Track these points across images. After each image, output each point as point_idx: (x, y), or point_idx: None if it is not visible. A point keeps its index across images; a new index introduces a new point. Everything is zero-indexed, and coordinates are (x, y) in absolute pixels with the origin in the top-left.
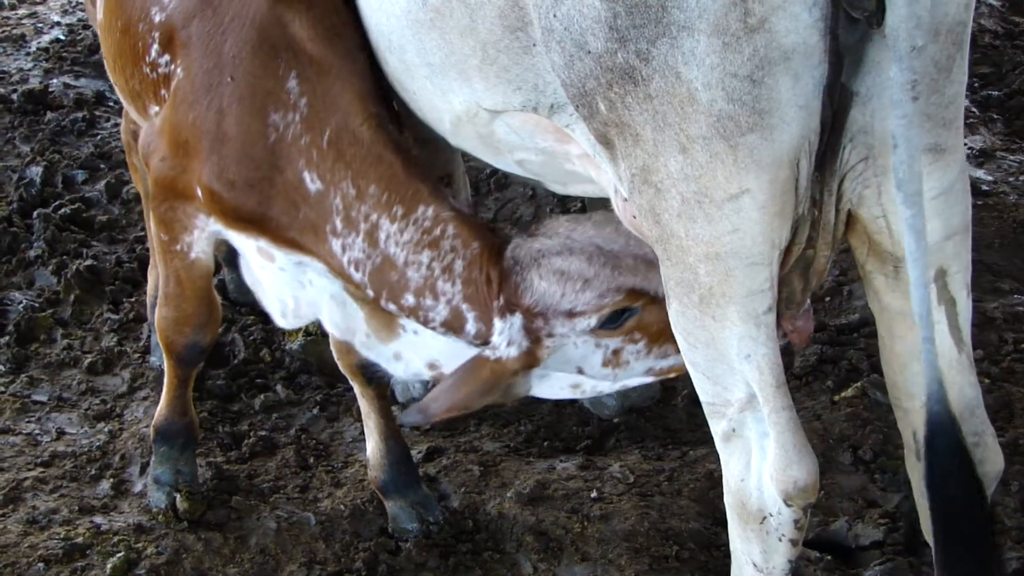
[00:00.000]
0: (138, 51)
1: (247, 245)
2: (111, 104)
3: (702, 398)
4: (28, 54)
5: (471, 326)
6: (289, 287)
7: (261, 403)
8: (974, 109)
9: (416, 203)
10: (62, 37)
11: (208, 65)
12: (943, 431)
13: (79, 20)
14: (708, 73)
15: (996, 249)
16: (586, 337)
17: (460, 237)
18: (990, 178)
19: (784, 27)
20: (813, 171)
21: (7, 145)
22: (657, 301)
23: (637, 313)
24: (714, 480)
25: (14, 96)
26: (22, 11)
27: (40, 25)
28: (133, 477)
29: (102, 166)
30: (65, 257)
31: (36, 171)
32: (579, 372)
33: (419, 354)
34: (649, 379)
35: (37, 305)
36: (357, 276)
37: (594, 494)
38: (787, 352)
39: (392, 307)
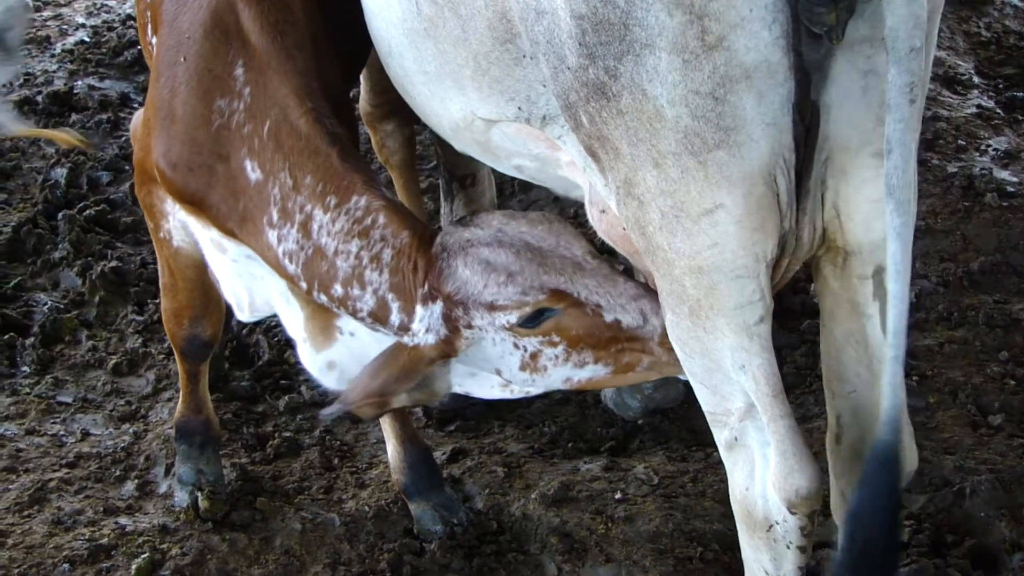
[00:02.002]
0: (143, 28)
1: (203, 236)
2: (136, 106)
3: (704, 407)
4: (53, 56)
5: (395, 317)
6: (242, 280)
7: (286, 404)
8: (999, 111)
9: (349, 194)
10: (87, 39)
11: (170, 43)
12: (888, 464)
13: (104, 22)
14: (671, 90)
15: (1020, 250)
16: (504, 335)
17: (390, 227)
18: (1015, 179)
19: (743, 45)
20: (793, 187)
21: (32, 147)
22: (579, 305)
23: (557, 315)
24: None
25: (39, 98)
26: (47, 13)
27: (65, 27)
28: (158, 478)
29: (127, 167)
30: (90, 259)
31: (61, 173)
32: (498, 374)
33: (356, 358)
34: (569, 390)
35: (62, 306)
36: (291, 268)
37: (618, 495)
38: (813, 354)
39: (323, 298)
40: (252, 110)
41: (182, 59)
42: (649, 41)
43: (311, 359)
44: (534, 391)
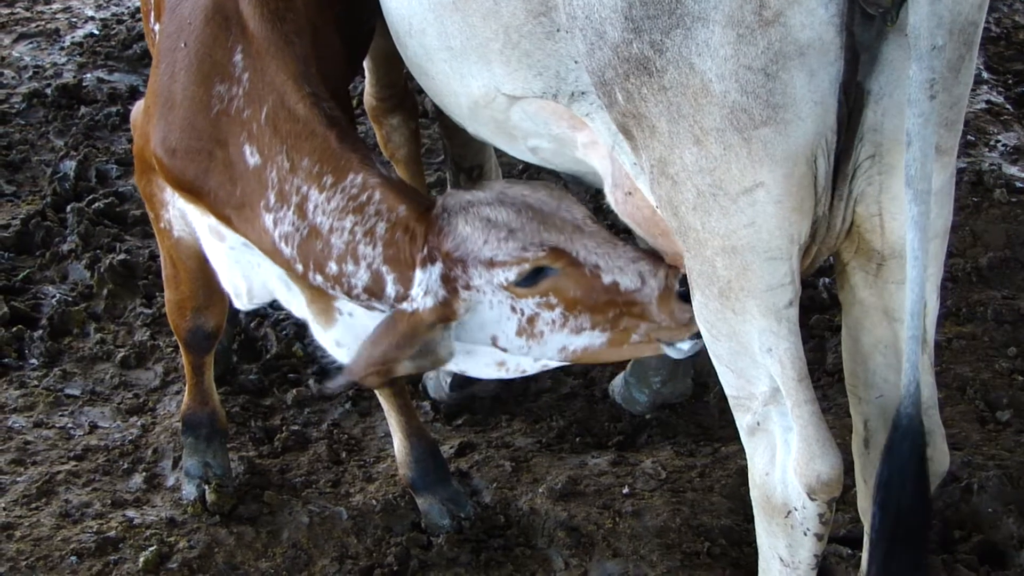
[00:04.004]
0: (147, 15)
1: (201, 224)
2: None
3: (727, 391)
4: (62, 48)
5: (390, 288)
6: (240, 268)
7: (293, 398)
8: (1008, 106)
9: (346, 172)
10: (96, 32)
11: (170, 29)
12: (912, 433)
13: (113, 15)
14: (722, 65)
15: None
16: (501, 297)
17: (386, 201)
18: None
19: (799, 22)
20: (831, 171)
21: (41, 139)
22: (578, 265)
23: (556, 274)
24: (746, 476)
25: (48, 90)
26: (56, 5)
27: (74, 20)
28: (166, 471)
29: None
30: (98, 251)
31: (70, 165)
32: (494, 342)
33: (357, 338)
34: (565, 362)
35: (70, 299)
36: (287, 251)
37: (626, 490)
38: (820, 349)
39: (318, 279)
40: (250, 95)
41: (182, 45)
42: (703, 14)
43: (322, 336)
44: (529, 368)
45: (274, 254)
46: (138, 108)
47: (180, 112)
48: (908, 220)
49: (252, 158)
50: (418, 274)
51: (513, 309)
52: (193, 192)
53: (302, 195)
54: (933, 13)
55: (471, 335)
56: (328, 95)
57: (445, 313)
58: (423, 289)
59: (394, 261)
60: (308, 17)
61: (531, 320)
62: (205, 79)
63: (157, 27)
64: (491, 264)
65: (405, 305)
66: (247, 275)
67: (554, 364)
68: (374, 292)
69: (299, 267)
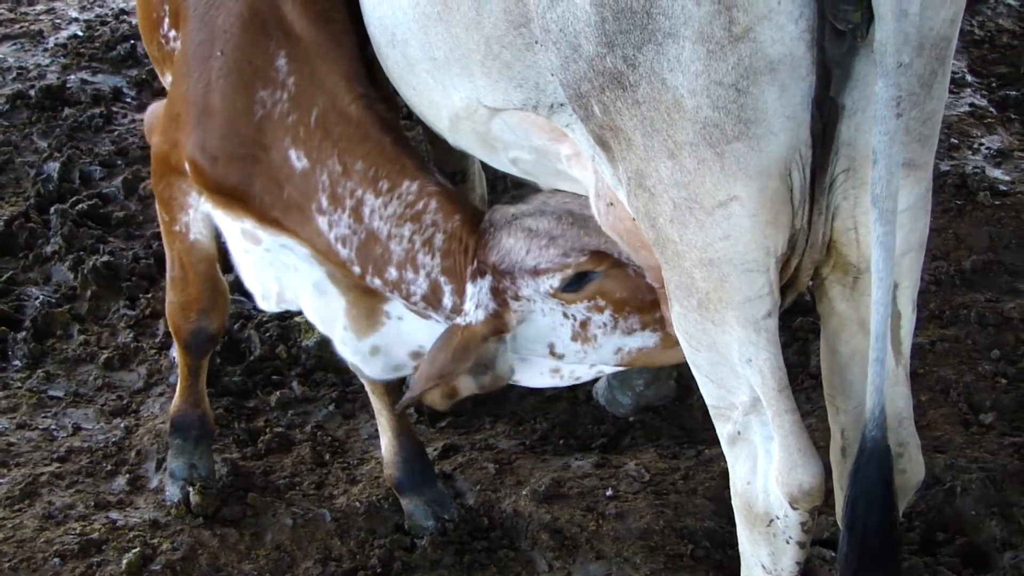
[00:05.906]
0: (153, 21)
1: (232, 227)
2: (128, 100)
3: (707, 401)
4: (46, 50)
5: (447, 300)
6: (273, 270)
7: (277, 400)
8: (991, 109)
9: (401, 178)
10: (80, 33)
11: (202, 37)
12: (877, 456)
13: (97, 16)
14: (693, 80)
15: (1012, 249)
16: (552, 304)
17: (442, 211)
18: (1007, 178)
19: (769, 37)
20: (807, 184)
21: (25, 141)
22: (620, 266)
23: (599, 277)
24: (729, 479)
25: (32, 92)
26: (40, 7)
27: (58, 21)
28: (149, 473)
29: (119, 162)
30: (82, 253)
31: (53, 167)
32: (551, 351)
33: (404, 342)
34: (621, 365)
35: (54, 301)
36: (344, 252)
37: (609, 492)
38: (804, 352)
39: (377, 282)
40: (297, 99)
41: (218, 53)
42: (673, 30)
43: (354, 346)
44: (583, 374)
45: (329, 254)
46: (153, 113)
47: (219, 119)
48: (873, 239)
49: (299, 162)
50: (469, 288)
51: (565, 315)
52: (235, 197)
53: (357, 199)
54: (899, 30)
55: (528, 346)
56: (379, 96)
57: (497, 326)
58: (474, 303)
59: (451, 272)
60: (352, 16)
61: (584, 324)
62: (246, 86)
63: (174, 34)
64: (536, 273)
65: (459, 319)
66: (279, 277)
67: (609, 369)
68: (431, 302)
69: (357, 269)
